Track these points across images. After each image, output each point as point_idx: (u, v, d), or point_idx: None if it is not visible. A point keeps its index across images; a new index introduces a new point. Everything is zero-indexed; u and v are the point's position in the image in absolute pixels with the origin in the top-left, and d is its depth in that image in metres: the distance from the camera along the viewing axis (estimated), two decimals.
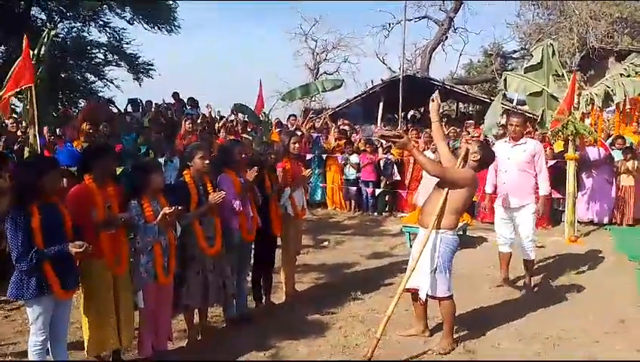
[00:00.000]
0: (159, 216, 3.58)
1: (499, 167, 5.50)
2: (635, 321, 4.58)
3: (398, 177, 9.90)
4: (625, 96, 7.58)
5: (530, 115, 13.07)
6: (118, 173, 4.45)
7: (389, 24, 25.64)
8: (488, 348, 4.11)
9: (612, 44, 20.66)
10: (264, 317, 4.75)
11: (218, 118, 11.17)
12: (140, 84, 17.82)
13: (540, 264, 6.47)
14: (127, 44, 17.64)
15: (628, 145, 8.92)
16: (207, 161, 4.01)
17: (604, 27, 21.20)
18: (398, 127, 12.93)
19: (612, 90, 7.66)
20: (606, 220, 8.67)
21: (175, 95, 12.85)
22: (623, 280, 5.79)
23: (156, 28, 17.79)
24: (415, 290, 4.08)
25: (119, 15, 17.21)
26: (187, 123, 8.69)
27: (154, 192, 3.71)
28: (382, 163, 9.94)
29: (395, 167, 9.86)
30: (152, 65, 18.01)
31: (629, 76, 7.79)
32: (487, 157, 4.14)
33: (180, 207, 3.63)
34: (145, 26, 17.63)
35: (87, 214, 3.40)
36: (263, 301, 4.99)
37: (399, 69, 16.35)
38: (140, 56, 17.79)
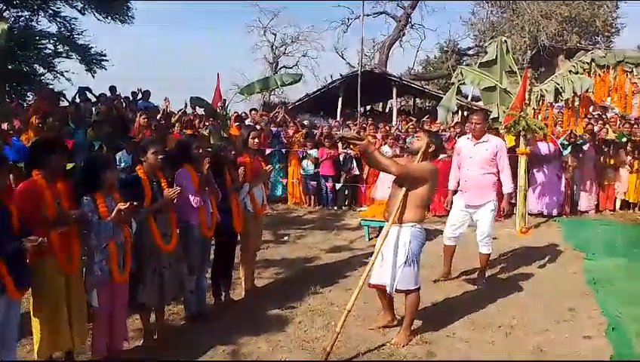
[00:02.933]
0: (114, 213, 3.48)
1: (461, 165, 5.52)
2: (583, 309, 4.78)
3: (357, 171, 9.99)
4: (573, 92, 7.87)
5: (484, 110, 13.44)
6: (68, 168, 4.30)
7: (348, 19, 25.84)
8: (444, 338, 4.20)
9: (562, 42, 21.48)
10: (224, 314, 4.70)
11: (175, 112, 10.95)
12: (93, 76, 17.20)
13: (493, 255, 6.65)
14: (78, 34, 16.98)
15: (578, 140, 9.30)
16: (160, 156, 3.93)
17: (555, 26, 22.01)
18: (357, 121, 13.03)
19: (561, 87, 7.95)
20: (555, 212, 9.03)
21: (112, 88, 12.32)
22: (571, 269, 6.04)
23: (109, 18, 17.21)
24: (382, 286, 4.11)
25: (70, 4, 16.54)
26: (142, 117, 8.47)
27: (108, 188, 3.60)
28: (341, 157, 10.00)
29: (354, 161, 9.94)
30: (104, 55, 17.39)
31: (577, 73, 8.12)
32: (439, 145, 4.26)
33: (135, 203, 3.54)
34: (97, 15, 17.03)
35: (37, 211, 3.26)
36: (223, 297, 4.94)
37: (358, 64, 16.44)
38: (92, 47, 17.18)
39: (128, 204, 3.48)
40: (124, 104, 11.47)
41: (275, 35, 28.22)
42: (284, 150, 10.27)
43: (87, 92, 11.39)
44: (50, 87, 13.65)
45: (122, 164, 6.55)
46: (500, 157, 5.46)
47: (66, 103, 10.77)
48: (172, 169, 4.19)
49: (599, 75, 8.05)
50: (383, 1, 25.03)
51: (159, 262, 3.92)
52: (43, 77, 17.31)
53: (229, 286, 5.02)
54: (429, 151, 4.13)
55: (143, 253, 3.86)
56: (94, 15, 17.03)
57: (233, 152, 4.80)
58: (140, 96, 12.39)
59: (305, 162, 10.12)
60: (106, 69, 17.66)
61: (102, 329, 3.66)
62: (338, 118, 15.12)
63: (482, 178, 5.35)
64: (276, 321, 4.53)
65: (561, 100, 8.17)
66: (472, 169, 5.36)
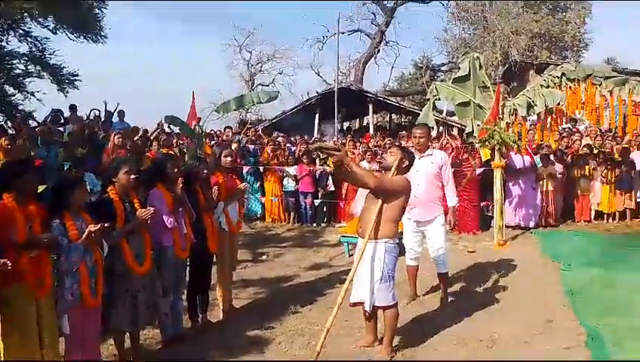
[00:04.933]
0: (84, 235, 3.39)
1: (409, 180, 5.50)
2: (562, 321, 4.81)
3: (332, 188, 9.98)
4: (545, 106, 8.04)
5: (459, 125, 13.67)
6: (40, 190, 4.19)
7: (324, 37, 26.12)
8: (426, 353, 4.17)
9: (532, 57, 22.05)
10: (201, 337, 4.60)
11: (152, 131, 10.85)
12: (66, 96, 17.01)
13: (471, 268, 6.72)
14: (50, 54, 16.80)
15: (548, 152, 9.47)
16: (132, 176, 3.85)
17: (525, 42, 22.64)
18: (335, 138, 13.09)
19: (533, 101, 8.10)
20: (532, 224, 9.14)
21: (72, 107, 12.06)
22: (549, 281, 6.09)
23: (82, 37, 17.08)
24: (360, 304, 4.07)
25: (41, 24, 16.36)
26: (116, 137, 8.35)
27: (77, 210, 3.51)
28: (317, 173, 10.00)
29: (330, 177, 9.93)
30: (77, 75, 17.25)
31: (548, 87, 8.30)
32: (412, 160, 4.29)
33: (106, 224, 3.45)
34: (69, 35, 16.88)
35: (7, 235, 3.16)
36: (200, 319, 4.83)
37: (334, 81, 16.58)
38: (64, 67, 17.00)
39: (99, 225, 3.39)
40: (98, 123, 11.29)
41: (250, 52, 28.39)
42: (261, 168, 10.22)
43: (58, 114, 11.19)
44: (21, 107, 13.35)
45: (90, 187, 6.41)
46: (445, 170, 5.42)
47: (34, 124, 10.57)
48: (146, 189, 4.12)
49: (570, 88, 8.25)
50: (358, 18, 25.46)
51: (132, 285, 3.82)
52: (13, 97, 17.04)
53: (206, 307, 4.91)
54: (403, 166, 4.15)
55: (116, 275, 3.77)
56: (66, 35, 16.94)
57: (205, 171, 4.75)
58: (115, 116, 12.23)
59: (285, 179, 10.10)
60: (78, 89, 17.57)
61: (74, 355, 3.54)
62: (315, 135, 15.17)
63: (430, 192, 5.25)
64: (255, 342, 4.45)
65: (534, 114, 8.32)
66: (420, 183, 5.15)
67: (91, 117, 11.72)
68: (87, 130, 9.37)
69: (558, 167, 9.39)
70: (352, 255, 7.21)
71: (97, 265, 3.55)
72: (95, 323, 3.64)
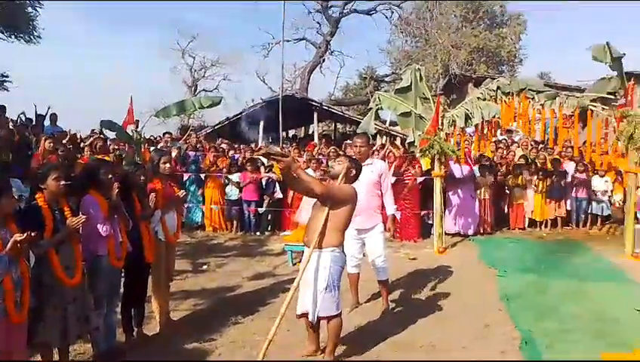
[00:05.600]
0: (9, 245, 3.18)
1: None
2: (498, 324, 4.97)
3: (280, 195, 9.92)
4: (482, 117, 8.35)
5: (402, 135, 13.97)
6: None
7: (269, 44, 26.06)
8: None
9: (471, 70, 22.96)
10: (136, 351, 4.42)
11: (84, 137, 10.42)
12: None
13: (412, 275, 6.86)
14: None
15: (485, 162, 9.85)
16: (62, 182, 3.66)
17: (464, 55, 23.56)
18: (280, 146, 13.05)
19: (471, 113, 8.41)
20: (471, 232, 9.43)
21: (0, 109, 11.40)
22: (486, 286, 6.30)
23: (13, 37, 16.23)
24: (306, 314, 4.04)
25: None
26: (47, 142, 7.95)
27: (2, 218, 3.29)
28: (264, 181, 9.91)
29: (277, 185, 9.86)
30: (7, 76, 16.37)
31: (484, 100, 8.64)
32: (359, 170, 4.34)
33: (32, 233, 3.25)
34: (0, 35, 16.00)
35: None
36: (135, 332, 4.64)
37: (279, 88, 16.57)
38: None
39: (25, 235, 3.19)
40: (27, 127, 10.71)
41: (194, 58, 27.92)
42: (202, 175, 10.02)
43: None
44: None
45: (18, 194, 6.06)
46: (384, 178, 5.53)
47: None
48: (78, 195, 3.93)
49: (505, 101, 8.63)
50: (303, 26, 25.62)
51: (62, 298, 3.62)
52: None
53: (142, 320, 4.73)
54: (350, 175, 4.19)
55: (44, 287, 3.56)
56: None
57: (142, 177, 4.59)
58: (47, 119, 11.66)
59: (228, 187, 9.93)
60: (7, 90, 16.65)
61: None
62: (260, 142, 15.05)
63: (370, 200, 5.31)
64: (194, 355, 4.34)
65: (471, 125, 8.63)
66: (361, 191, 4.93)
67: (19, 120, 11.12)
68: (16, 134, 8.86)
69: (489, 177, 9.75)
70: (295, 263, 7.19)
71: (23, 278, 3.34)
72: (20, 339, 3.41)
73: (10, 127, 9.96)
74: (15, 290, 3.28)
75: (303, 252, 4.34)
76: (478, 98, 8.77)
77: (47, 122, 11.64)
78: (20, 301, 3.32)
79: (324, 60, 25.80)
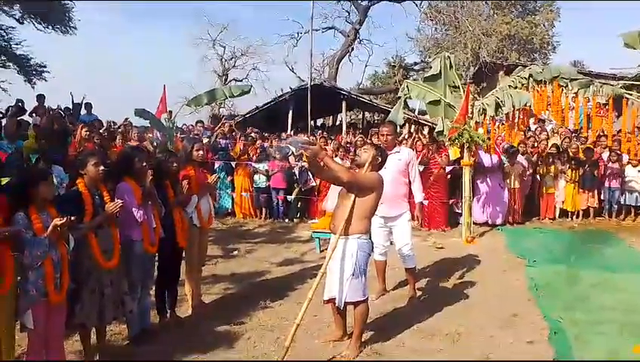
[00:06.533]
0: (49, 228, 3.31)
1: None
2: (526, 315, 4.92)
3: (313, 183, 9.91)
4: (513, 106, 8.19)
5: (430, 124, 13.82)
6: (3, 182, 4.06)
7: (297, 33, 26.00)
8: (394, 347, 4.22)
9: (502, 59, 22.43)
10: (170, 332, 4.55)
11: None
12: (33, 87, 16.60)
13: (439, 264, 6.83)
14: (16, 44, 16.32)
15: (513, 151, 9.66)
16: (101, 168, 3.78)
17: (495, 43, 23.00)
18: (308, 134, 13.08)
19: (501, 101, 8.25)
20: (499, 221, 9.31)
21: (40, 97, 11.79)
22: (514, 276, 6.23)
23: (49, 28, 16.64)
24: (332, 300, 4.08)
25: (7, 13, 15.87)
26: (83, 130, 8.16)
27: (43, 203, 3.42)
28: (296, 170, 9.95)
29: (310, 173, 9.78)
30: (44, 67, 16.84)
31: (516, 88, 8.46)
32: (385, 158, 4.33)
33: (72, 218, 3.37)
34: (37, 25, 16.42)
35: None
36: (168, 315, 4.77)
37: (308, 77, 16.55)
38: (31, 58, 16.56)
39: (65, 219, 3.31)
40: (64, 116, 11.01)
41: (224, 47, 28.07)
42: (232, 162, 10.13)
43: (20, 104, 10.87)
44: None
45: (58, 180, 6.26)
46: (412, 166, 5.49)
47: None
48: (114, 182, 4.04)
49: (537, 89, 8.43)
50: (332, 15, 25.46)
51: (99, 281, 3.75)
52: None
53: (175, 303, 4.85)
54: (376, 163, 4.18)
55: (82, 270, 3.69)
56: (34, 25, 16.48)
57: (175, 165, 4.68)
58: (82, 108, 11.97)
59: (257, 175, 10.03)
60: (46, 80, 17.15)
61: (37, 352, 3.45)
62: (289, 132, 15.12)
63: (397, 188, 5.28)
64: (224, 338, 4.42)
65: (502, 114, 8.47)
66: (388, 179, 4.91)
67: (58, 108, 11.44)
68: (55, 122, 9.12)
69: (521, 165, 9.56)
70: (322, 251, 7.24)
71: (63, 260, 3.46)
72: (59, 320, 3.56)
73: (48, 115, 10.26)
74: (55, 272, 3.40)
75: (330, 239, 4.37)
76: (509, 86, 8.60)
77: (82, 111, 11.95)
78: (60, 283, 3.44)
79: (352, 49, 25.59)
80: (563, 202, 9.91)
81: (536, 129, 12.34)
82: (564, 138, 10.83)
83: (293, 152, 10.08)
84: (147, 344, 4.24)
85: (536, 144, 10.49)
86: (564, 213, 9.97)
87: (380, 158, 4.23)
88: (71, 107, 11.92)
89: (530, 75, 8.49)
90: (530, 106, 8.36)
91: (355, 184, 3.98)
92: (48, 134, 7.95)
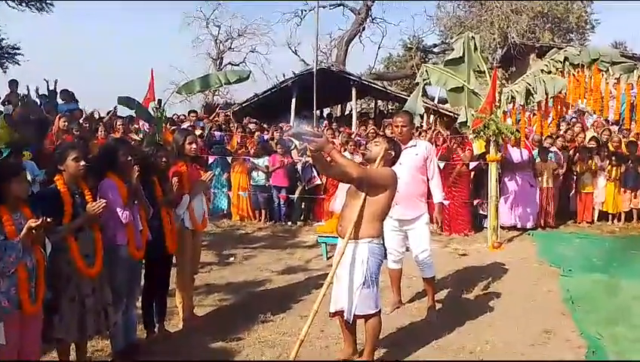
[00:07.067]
0: (23, 231, 3.32)
1: None
2: (560, 331, 4.91)
3: (318, 181, 9.92)
4: (546, 93, 8.15)
5: (452, 114, 13.79)
6: None
7: (302, 11, 25.97)
8: None
9: (533, 39, 22.31)
10: (157, 348, 4.56)
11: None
12: (5, 71, 16.74)
13: (462, 273, 6.81)
14: None
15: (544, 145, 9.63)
16: (82, 163, 3.79)
17: (526, 22, 22.88)
18: (313, 125, 13.08)
19: (533, 88, 8.22)
20: (529, 225, 9.29)
21: (12, 83, 11.82)
22: (546, 287, 6.21)
23: (23, 5, 16.74)
24: (340, 313, 4.07)
25: None
26: (61, 120, 8.21)
27: (16, 202, 3.43)
28: (299, 165, 9.95)
29: (315, 169, 9.80)
30: (18, 48, 16.96)
31: (549, 73, 8.42)
32: (398, 152, 4.33)
33: (49, 219, 3.39)
34: (9, 3, 16.53)
35: None
36: (156, 329, 4.79)
37: (313, 61, 16.53)
38: (3, 39, 16.69)
39: (41, 220, 3.33)
40: (40, 104, 11.07)
41: (219, 27, 28.08)
42: (228, 157, 10.15)
43: None
44: None
45: (31, 176, 6.29)
46: (431, 162, 5.45)
47: None
48: (95, 179, 4.05)
49: (573, 75, 8.39)
50: None
51: (80, 289, 3.76)
52: None
53: (164, 315, 4.87)
54: (388, 157, 4.17)
55: (60, 278, 3.71)
56: (6, 3, 16.56)
57: (165, 160, 4.68)
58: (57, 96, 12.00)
59: (255, 172, 10.04)
60: (19, 64, 17.24)
61: None
62: (291, 122, 15.14)
63: (414, 187, 5.24)
64: (219, 355, 4.45)
65: (533, 102, 8.43)
66: (403, 177, 4.93)
67: (32, 93, 11.47)
68: (30, 112, 9.18)
69: (555, 162, 9.53)
70: (330, 257, 7.24)
71: (38, 266, 3.47)
72: (34, 333, 3.57)
73: (21, 103, 10.32)
74: (29, 280, 3.41)
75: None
76: (542, 71, 8.55)
77: (58, 99, 11.98)
78: (35, 291, 3.45)
79: (364, 29, 25.56)
80: (603, 203, 9.87)
81: (570, 120, 12.28)
82: (603, 130, 10.77)
83: (296, 146, 10.09)
84: (132, 361, 4.25)
85: (571, 137, 10.45)
86: (603, 216, 9.93)
87: (393, 152, 4.22)
88: (47, 94, 11.96)
89: (566, 58, 8.44)
90: (565, 94, 8.33)
91: (366, 180, 3.97)
92: (23, 124, 8.00)
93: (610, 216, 9.87)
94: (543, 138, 9.70)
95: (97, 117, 10.89)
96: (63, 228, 3.67)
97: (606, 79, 8.42)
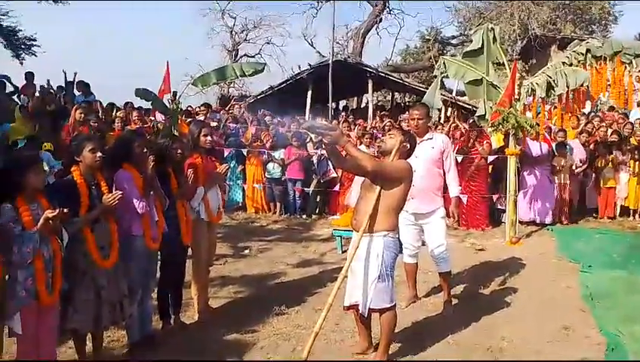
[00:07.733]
0: (40, 222, 3.36)
1: None
2: (579, 328, 4.87)
3: (334, 174, 9.92)
4: (567, 87, 8.05)
5: (470, 107, 13.68)
6: None
7: (318, 2, 25.87)
8: None
9: (554, 31, 22.05)
10: (173, 340, 4.60)
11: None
12: (22, 63, 16.91)
13: (479, 268, 6.78)
14: (2, 15, 16.62)
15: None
16: (98, 154, 3.83)
17: (547, 13, 22.61)
18: (329, 118, 13.07)
19: (554, 81, 8.13)
20: (548, 220, 9.20)
21: (29, 75, 11.92)
22: (565, 283, 6.16)
23: None
24: (355, 306, 4.08)
25: None
26: (77, 112, 8.29)
27: (33, 193, 3.48)
28: (315, 158, 9.95)
29: (330, 162, 9.77)
30: (34, 40, 17.12)
31: (571, 65, 8.31)
32: (414, 145, 4.31)
33: (66, 210, 3.43)
34: None
35: None
36: (172, 320, 4.83)
37: (329, 53, 16.48)
38: (19, 30, 16.86)
39: (58, 211, 3.37)
40: (57, 95, 11.19)
41: (234, 18, 28.09)
42: (244, 150, 10.18)
43: (5, 81, 11.05)
44: None
45: (48, 166, 6.36)
46: (447, 155, 5.41)
47: None
48: (111, 170, 4.09)
49: (595, 67, 8.27)
50: None
51: (96, 281, 3.81)
52: None
53: (179, 307, 4.91)
54: (404, 150, 4.16)
55: (76, 269, 3.75)
56: None
57: (180, 152, 4.71)
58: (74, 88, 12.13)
59: (270, 165, 10.07)
60: (36, 56, 17.41)
61: (27, 359, 3.53)
62: (307, 114, 15.13)
63: (430, 180, 5.22)
64: (234, 347, 4.47)
65: (554, 95, 8.34)
66: (419, 170, 4.94)
67: (48, 87, 11.60)
68: (46, 103, 9.28)
69: (570, 158, 9.41)
70: (345, 251, 7.24)
71: (55, 257, 3.53)
72: (51, 323, 3.63)
73: (38, 95, 10.44)
74: (46, 271, 3.46)
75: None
76: (563, 63, 8.45)
77: (75, 91, 12.10)
78: (51, 282, 3.50)
79: (380, 20, 25.38)
80: (625, 198, 9.74)
81: (589, 113, 12.14)
82: (625, 124, 10.63)
83: (311, 138, 10.09)
84: (148, 352, 4.30)
85: (595, 130, 10.34)
86: (625, 211, 9.81)
87: (408, 145, 4.19)
88: (64, 86, 12.08)
89: (588, 50, 8.34)
90: (587, 87, 8.22)
91: (380, 173, 3.96)
92: (39, 116, 8.09)
93: (631, 212, 9.75)
94: (578, 131, 9.57)
95: (114, 110, 10.97)
96: (79, 220, 3.71)
97: (629, 72, 8.31)
